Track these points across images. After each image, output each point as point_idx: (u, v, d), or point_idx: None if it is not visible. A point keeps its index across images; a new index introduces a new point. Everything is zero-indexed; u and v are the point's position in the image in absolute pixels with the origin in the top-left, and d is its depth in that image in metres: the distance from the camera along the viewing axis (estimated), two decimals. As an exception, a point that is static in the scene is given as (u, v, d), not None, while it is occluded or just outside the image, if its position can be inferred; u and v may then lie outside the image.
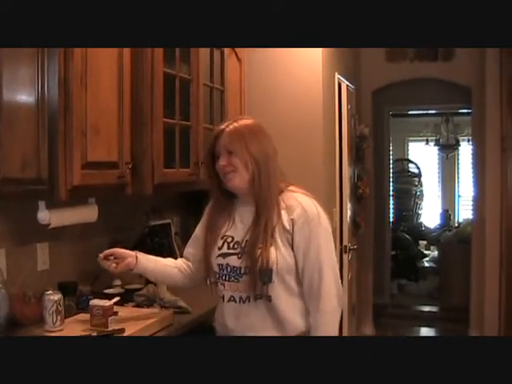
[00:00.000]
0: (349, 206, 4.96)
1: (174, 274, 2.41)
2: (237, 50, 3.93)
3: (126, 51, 2.68)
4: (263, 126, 2.29)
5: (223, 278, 2.18)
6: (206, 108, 3.35)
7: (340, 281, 2.17)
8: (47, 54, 2.35)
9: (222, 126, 2.22)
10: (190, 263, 2.42)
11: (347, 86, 4.97)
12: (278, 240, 2.10)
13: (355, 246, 5.08)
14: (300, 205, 2.13)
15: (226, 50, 3.66)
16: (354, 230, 5.28)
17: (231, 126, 2.19)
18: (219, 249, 2.21)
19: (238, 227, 2.20)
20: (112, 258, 2.33)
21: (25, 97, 2.43)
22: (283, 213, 2.12)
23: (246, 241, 2.13)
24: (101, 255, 2.33)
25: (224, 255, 2.19)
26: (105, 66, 2.57)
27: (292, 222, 2.10)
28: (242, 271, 2.12)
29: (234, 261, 2.16)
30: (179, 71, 3.04)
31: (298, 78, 4.21)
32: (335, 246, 4.54)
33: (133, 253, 2.35)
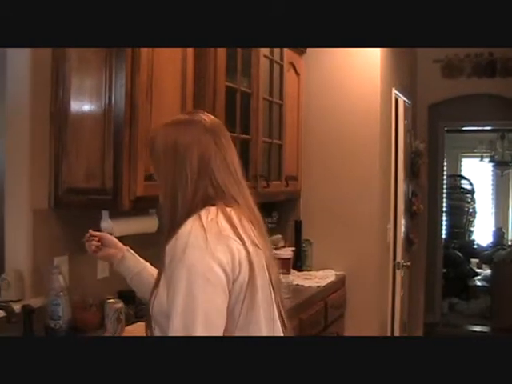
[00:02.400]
0: (403, 222, 4.92)
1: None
2: (295, 64, 3.95)
3: (190, 65, 2.73)
4: (202, 120, 1.67)
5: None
6: (265, 122, 3.37)
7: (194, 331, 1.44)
8: (115, 67, 2.41)
9: None
10: None
11: (404, 101, 4.95)
12: (162, 278, 1.59)
13: (408, 263, 5.03)
14: (178, 233, 1.54)
15: (285, 64, 3.69)
16: (407, 246, 5.23)
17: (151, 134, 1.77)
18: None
19: None
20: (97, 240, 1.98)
21: (91, 108, 2.49)
22: None
23: None
24: (89, 232, 2.01)
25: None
26: (169, 79, 2.62)
27: (165, 254, 1.55)
28: None
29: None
30: (240, 85, 3.07)
31: (356, 93, 4.21)
32: (388, 263, 4.58)
33: (123, 247, 1.99)
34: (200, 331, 1.43)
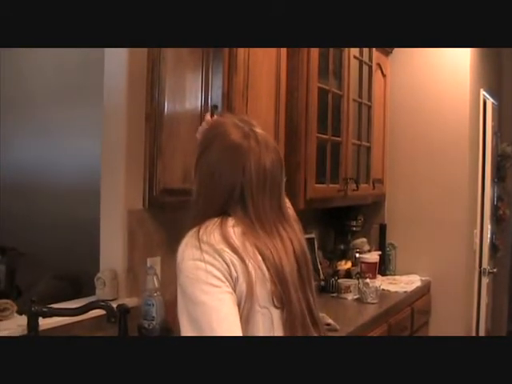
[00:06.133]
0: (489, 227, 4.78)
1: None
2: (382, 65, 3.88)
3: (283, 65, 2.70)
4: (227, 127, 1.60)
5: None
6: (355, 124, 3.32)
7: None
8: (211, 68, 2.40)
9: None
10: None
11: (492, 102, 4.80)
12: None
13: (494, 270, 4.87)
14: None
15: (373, 66, 3.62)
16: (492, 252, 5.07)
17: None
18: None
19: None
20: None
21: (187, 109, 2.49)
22: None
23: None
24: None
25: None
26: (263, 80, 2.60)
27: None
28: None
29: None
30: (332, 86, 3.03)
31: (444, 94, 4.10)
32: (474, 269, 4.43)
33: None
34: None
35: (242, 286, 1.46)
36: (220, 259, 1.45)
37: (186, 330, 1.43)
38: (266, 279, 1.50)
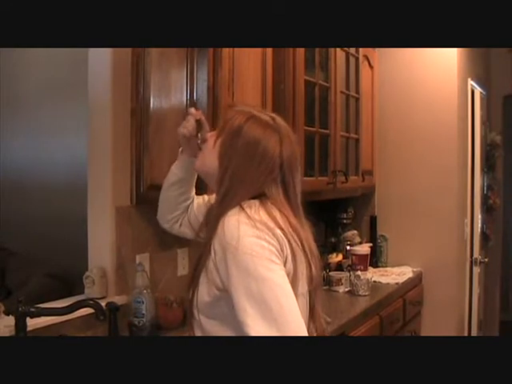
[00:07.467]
0: (479, 217, 4.78)
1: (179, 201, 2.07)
2: (369, 56, 3.87)
3: (269, 58, 2.68)
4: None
5: None
6: (342, 116, 3.31)
7: (285, 322, 1.39)
8: (196, 62, 2.38)
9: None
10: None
11: (480, 92, 4.79)
12: (203, 272, 1.54)
13: (486, 259, 4.87)
14: (221, 228, 1.47)
15: (360, 57, 3.61)
16: (483, 242, 5.07)
17: None
18: None
19: None
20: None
21: (173, 103, 2.47)
22: None
23: None
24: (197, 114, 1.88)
25: None
26: (249, 73, 2.58)
27: (214, 251, 1.48)
28: None
29: None
30: (318, 78, 3.01)
31: (432, 84, 4.08)
32: (465, 259, 4.44)
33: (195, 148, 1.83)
34: (286, 316, 1.38)
35: (290, 266, 1.48)
36: (274, 238, 1.46)
37: (245, 308, 1.39)
38: (304, 261, 1.54)
